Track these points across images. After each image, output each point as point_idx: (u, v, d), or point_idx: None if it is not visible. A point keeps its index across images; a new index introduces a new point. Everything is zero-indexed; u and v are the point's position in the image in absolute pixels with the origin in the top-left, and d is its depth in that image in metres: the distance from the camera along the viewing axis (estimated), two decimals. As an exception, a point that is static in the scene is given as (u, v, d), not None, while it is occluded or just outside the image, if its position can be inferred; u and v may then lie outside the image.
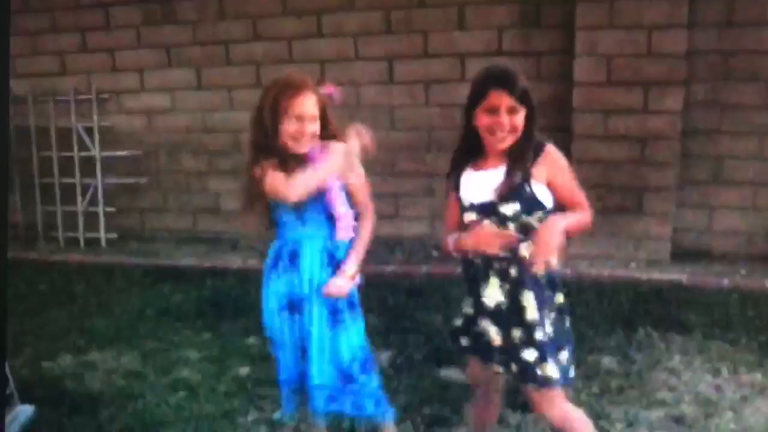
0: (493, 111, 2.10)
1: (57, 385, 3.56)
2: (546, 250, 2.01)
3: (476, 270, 2.25)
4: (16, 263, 5.42)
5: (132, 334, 4.20)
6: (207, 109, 6.16)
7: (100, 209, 6.37)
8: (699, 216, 5.17)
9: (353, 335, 2.40)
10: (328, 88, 2.38)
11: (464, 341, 2.39)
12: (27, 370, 3.71)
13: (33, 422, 3.11)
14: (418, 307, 4.39)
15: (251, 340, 4.03)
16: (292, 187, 2.19)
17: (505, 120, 2.09)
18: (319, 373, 2.36)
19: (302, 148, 2.29)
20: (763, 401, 3.15)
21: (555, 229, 2.02)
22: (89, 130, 6.31)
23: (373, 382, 2.45)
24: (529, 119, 2.14)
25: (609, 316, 4.13)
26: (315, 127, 2.29)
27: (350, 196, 2.41)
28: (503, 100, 2.08)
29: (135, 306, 4.67)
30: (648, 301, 4.36)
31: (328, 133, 2.35)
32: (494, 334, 2.23)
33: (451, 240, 2.29)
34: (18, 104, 6.27)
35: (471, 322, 2.32)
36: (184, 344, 4.03)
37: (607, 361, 3.59)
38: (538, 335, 2.16)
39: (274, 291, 2.41)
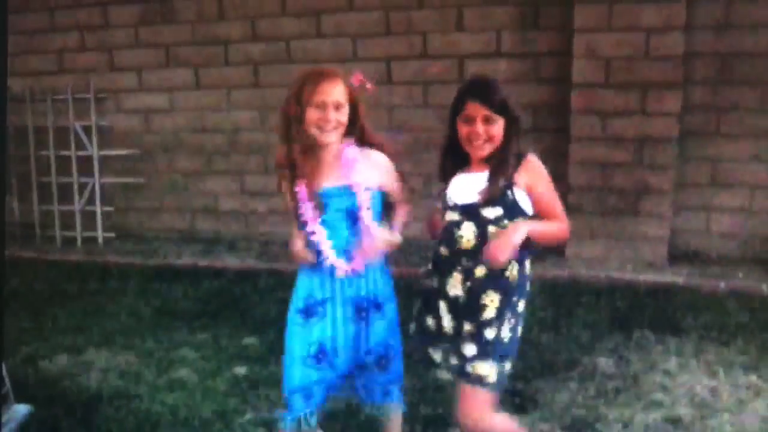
0: (470, 121, 2.21)
1: (53, 384, 3.55)
2: (499, 248, 2.08)
3: (443, 261, 2.29)
4: (13, 262, 5.41)
5: (129, 334, 4.19)
6: (205, 109, 6.16)
7: (98, 208, 6.36)
8: (696, 218, 5.18)
9: (373, 333, 2.40)
10: (357, 77, 2.35)
11: (412, 327, 2.46)
12: (23, 370, 3.70)
13: (29, 422, 3.10)
14: (413, 306, 4.38)
15: (248, 340, 4.03)
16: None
17: (480, 129, 2.19)
18: (343, 367, 2.38)
19: (327, 137, 2.26)
20: (759, 403, 3.15)
21: (515, 232, 2.10)
22: (87, 130, 6.31)
23: (391, 373, 2.46)
24: (508, 129, 2.22)
25: (606, 318, 4.13)
26: (340, 115, 2.26)
27: (386, 201, 2.44)
28: (478, 110, 2.18)
29: (132, 306, 4.67)
30: (645, 303, 4.36)
31: (357, 127, 2.34)
32: (447, 322, 2.28)
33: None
34: (16, 103, 6.27)
35: (429, 300, 2.36)
36: (180, 344, 4.02)
37: (604, 363, 3.59)
38: (488, 334, 2.19)
39: (295, 294, 2.41)
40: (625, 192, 5.02)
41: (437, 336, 2.33)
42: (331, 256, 2.30)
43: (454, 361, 2.28)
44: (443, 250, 2.29)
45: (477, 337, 2.20)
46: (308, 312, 2.37)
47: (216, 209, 6.35)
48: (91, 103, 6.26)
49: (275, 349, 3.83)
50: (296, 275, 2.45)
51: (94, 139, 6.30)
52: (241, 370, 3.66)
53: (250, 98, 6.00)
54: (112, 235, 6.43)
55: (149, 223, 6.55)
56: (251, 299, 4.68)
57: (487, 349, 2.19)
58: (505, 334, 2.22)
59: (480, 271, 2.20)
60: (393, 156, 2.44)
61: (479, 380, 2.19)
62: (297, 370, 2.37)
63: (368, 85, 2.38)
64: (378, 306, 2.41)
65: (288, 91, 2.30)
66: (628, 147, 4.96)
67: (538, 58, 5.26)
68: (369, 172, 2.33)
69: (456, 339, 2.25)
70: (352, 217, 2.31)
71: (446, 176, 2.37)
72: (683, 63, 4.80)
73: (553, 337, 3.86)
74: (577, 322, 4.08)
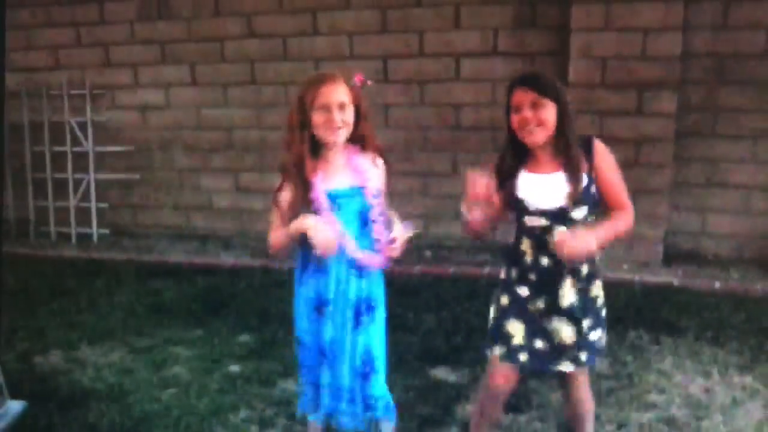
0: (518, 109, 2.22)
1: (47, 380, 3.54)
2: (575, 253, 2.14)
3: (548, 273, 2.29)
4: (7, 258, 5.38)
5: (123, 331, 4.18)
6: (201, 106, 6.15)
7: (93, 205, 6.34)
8: (692, 219, 5.18)
9: (367, 336, 2.41)
10: (359, 77, 2.36)
11: (523, 356, 2.36)
12: (17, 366, 3.69)
13: (22, 418, 3.09)
14: (410, 306, 4.38)
15: (243, 337, 4.03)
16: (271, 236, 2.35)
17: (529, 114, 2.19)
18: (341, 374, 2.40)
19: (335, 137, 2.29)
20: (753, 404, 3.16)
21: (588, 242, 2.13)
22: (82, 126, 6.29)
23: (373, 387, 2.44)
24: (561, 115, 2.22)
25: (601, 318, 4.11)
26: (345, 115, 2.28)
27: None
28: (525, 96, 2.20)
29: (126, 302, 4.65)
30: (640, 303, 4.36)
31: (359, 129, 2.36)
32: (567, 333, 2.31)
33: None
34: (11, 98, 6.22)
35: (536, 321, 2.34)
36: (175, 341, 4.02)
37: (598, 363, 3.55)
38: (603, 313, 2.39)
39: (304, 294, 2.41)
40: (621, 192, 5.00)
41: (558, 351, 2.34)
42: (356, 250, 2.32)
43: (583, 357, 2.35)
44: (546, 261, 2.28)
45: (598, 321, 2.36)
46: (320, 310, 2.38)
47: (211, 206, 6.33)
48: (87, 99, 6.24)
49: (270, 346, 3.86)
50: (291, 272, 2.47)
51: (90, 135, 6.28)
52: (235, 367, 3.66)
53: (246, 95, 5.99)
54: (107, 231, 6.41)
55: (144, 219, 6.54)
56: (246, 297, 4.67)
57: (604, 324, 2.40)
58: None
59: (585, 269, 2.30)
60: (386, 159, 2.48)
61: (602, 352, 2.44)
62: (309, 365, 2.45)
63: (368, 82, 2.39)
64: (370, 309, 2.41)
65: (293, 100, 2.33)
66: (625, 147, 4.92)
67: (534, 58, 5.25)
68: (376, 175, 2.38)
69: (580, 339, 2.33)
70: (362, 218, 2.34)
71: (504, 174, 2.35)
72: (680, 63, 4.79)
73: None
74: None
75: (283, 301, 4.55)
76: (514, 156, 2.33)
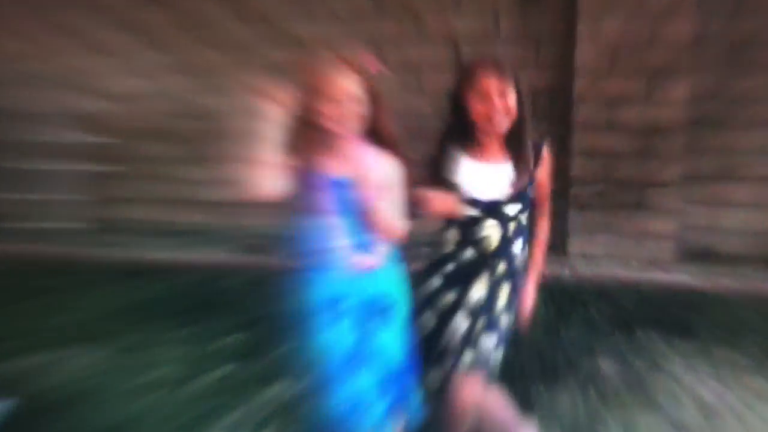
0: (485, 96, 2.17)
1: (27, 382, 3.46)
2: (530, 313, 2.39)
3: (467, 263, 2.28)
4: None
5: (107, 330, 4.11)
6: (187, 95, 6.07)
7: (74, 198, 6.29)
8: (705, 213, 5.11)
9: (384, 337, 2.29)
10: (369, 60, 2.20)
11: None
12: (-3, 366, 3.64)
13: (6, 418, 3.03)
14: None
15: (231, 337, 3.96)
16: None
17: (499, 104, 2.16)
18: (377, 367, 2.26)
19: (342, 129, 2.16)
20: (766, 408, 3.09)
21: (532, 300, 2.39)
22: (64, 115, 6.24)
23: (401, 383, 2.35)
24: (519, 104, 2.20)
25: (608, 318, 4.07)
26: (357, 108, 2.15)
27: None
28: (493, 82, 2.16)
29: (109, 301, 4.60)
30: (650, 303, 4.32)
31: (374, 119, 2.23)
32: (462, 324, 2.27)
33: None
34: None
35: (446, 317, 2.31)
36: (161, 341, 3.95)
37: (606, 364, 3.53)
38: (504, 321, 2.28)
39: (307, 293, 2.27)
40: (631, 184, 4.97)
41: (449, 350, 2.30)
42: (346, 250, 2.20)
43: (468, 357, 2.24)
44: (470, 253, 2.27)
45: (494, 326, 2.26)
46: (332, 311, 2.23)
47: (197, 200, 6.23)
48: (70, 87, 6.19)
49: (260, 346, 3.80)
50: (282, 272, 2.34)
51: (73, 125, 6.22)
52: (224, 368, 3.58)
53: (235, 84, 5.88)
54: (91, 225, 6.34)
55: (128, 213, 6.46)
56: (235, 294, 4.63)
57: (502, 336, 2.29)
58: (512, 319, 2.33)
59: (501, 268, 2.27)
60: (405, 160, 2.30)
61: (496, 368, 2.29)
62: (341, 379, 2.22)
63: (380, 67, 2.23)
64: (389, 307, 2.29)
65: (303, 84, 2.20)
66: (634, 136, 4.91)
67: (538, 42, 5.18)
68: (378, 169, 2.21)
69: (470, 334, 2.26)
70: (355, 210, 2.20)
71: (443, 156, 2.30)
72: (693, 48, 4.72)
73: (554, 337, 3.80)
74: (579, 322, 4.02)
75: (272, 299, 4.45)
76: (457, 141, 2.28)
